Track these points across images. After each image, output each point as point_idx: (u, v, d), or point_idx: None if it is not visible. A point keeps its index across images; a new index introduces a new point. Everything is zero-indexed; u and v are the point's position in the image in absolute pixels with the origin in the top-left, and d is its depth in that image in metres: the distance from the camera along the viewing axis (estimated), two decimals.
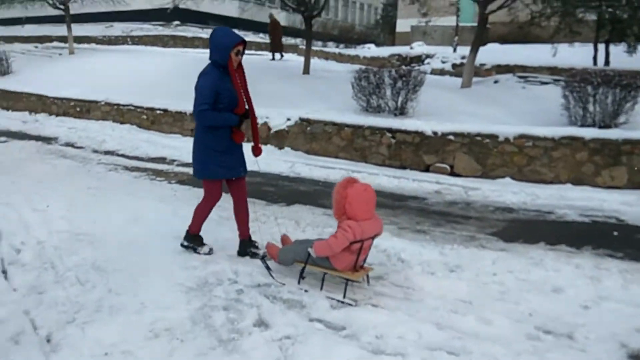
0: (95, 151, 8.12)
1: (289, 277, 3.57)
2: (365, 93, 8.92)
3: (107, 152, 8.03)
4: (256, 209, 5.13)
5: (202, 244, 3.97)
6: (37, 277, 3.37)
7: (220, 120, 3.63)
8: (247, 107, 3.82)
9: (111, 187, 5.85)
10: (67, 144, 8.62)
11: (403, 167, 7.30)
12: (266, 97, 10.55)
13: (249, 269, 3.63)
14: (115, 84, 11.77)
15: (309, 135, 8.22)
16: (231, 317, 2.96)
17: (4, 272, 3.47)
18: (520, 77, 12.04)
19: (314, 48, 23.68)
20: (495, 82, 11.95)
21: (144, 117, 9.99)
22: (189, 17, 27.91)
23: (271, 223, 4.74)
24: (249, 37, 28.97)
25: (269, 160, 7.63)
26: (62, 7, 17.32)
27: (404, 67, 16.12)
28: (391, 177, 6.69)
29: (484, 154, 6.82)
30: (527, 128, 6.82)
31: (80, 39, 21.94)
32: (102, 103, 10.74)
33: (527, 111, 8.77)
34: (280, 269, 3.67)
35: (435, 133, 7.07)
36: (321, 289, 3.36)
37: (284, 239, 3.92)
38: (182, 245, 3.98)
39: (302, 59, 21.42)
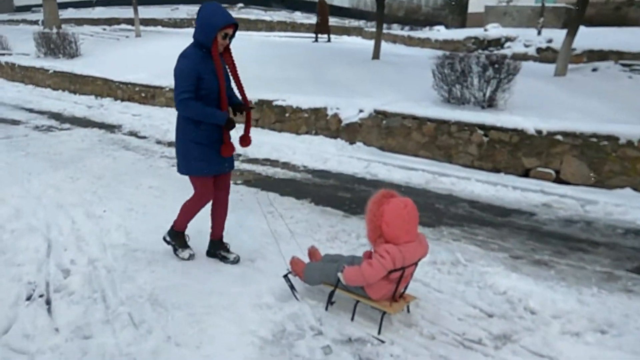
0: (159, 142, 7.67)
1: (316, 299, 3.03)
2: (448, 82, 7.95)
3: (170, 144, 7.56)
4: (333, 222, 4.43)
5: (184, 246, 3.63)
6: (85, 313, 2.80)
7: (205, 115, 3.16)
8: (239, 100, 3.40)
9: (173, 186, 5.31)
10: (131, 133, 8.25)
11: (496, 170, 6.32)
12: (334, 85, 9.80)
13: (335, 314, 2.91)
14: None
15: (385, 130, 7.38)
16: None
17: (48, 302, 2.93)
18: (624, 64, 10.53)
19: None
20: (594, 70, 10.52)
21: None
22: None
23: (353, 242, 4.00)
24: (312, 19, 28.17)
25: (341, 158, 6.91)
26: None
27: (482, 51, 14.83)
28: (485, 182, 5.74)
29: (600, 158, 5.72)
30: None
31: (146, 22, 22.01)
32: (167, 89, 10.34)
33: None
34: (307, 290, 3.14)
35: (539, 132, 6.02)
36: (352, 319, 2.86)
37: (312, 252, 3.32)
38: (164, 239, 3.65)
39: (367, 42, 20.47)
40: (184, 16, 25.44)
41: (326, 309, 2.94)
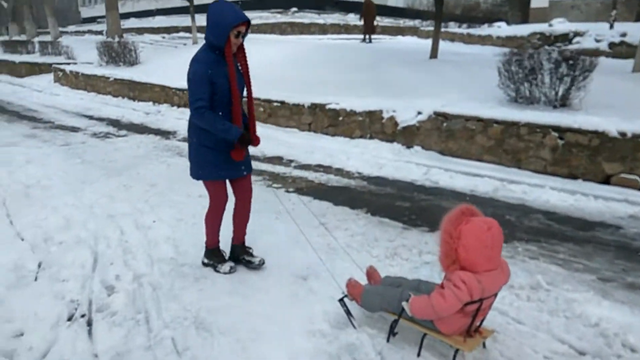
0: None
1: (376, 328, 2.69)
2: (516, 80, 7.37)
3: None
4: (392, 235, 4.07)
5: (223, 261, 3.46)
6: (126, 337, 2.61)
7: (218, 129, 3.01)
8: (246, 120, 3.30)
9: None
10: (185, 139, 8.22)
11: (573, 177, 5.71)
12: (390, 86, 9.40)
13: (398, 347, 2.55)
14: None
15: (445, 133, 6.91)
16: None
17: (90, 324, 2.77)
18: None
19: (433, 29, 21.73)
20: None
21: (261, 109, 9.37)
22: (306, 3, 27.51)
23: (415, 260, 3.62)
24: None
25: (398, 164, 6.51)
26: None
27: (548, 47, 13.92)
28: (561, 191, 5.18)
29: None
30: None
31: (203, 29, 22.47)
32: None
33: None
34: (365, 316, 2.80)
35: (622, 134, 5.38)
36: (418, 355, 2.49)
37: (370, 273, 2.97)
38: (202, 263, 3.50)
39: (423, 41, 19.85)
40: None
41: (388, 340, 2.59)
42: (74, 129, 8.95)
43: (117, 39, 16.56)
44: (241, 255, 3.48)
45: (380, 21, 30.26)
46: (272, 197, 4.92)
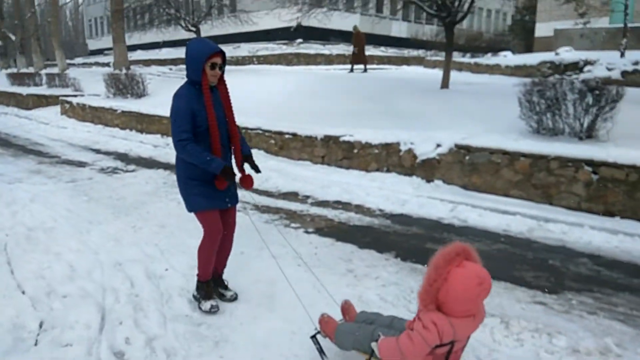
0: None
1: None
2: (538, 111, 7.10)
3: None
4: None
5: (208, 297, 3.34)
6: None
7: (201, 161, 3.02)
8: (248, 151, 3.43)
9: (240, 237, 4.74)
10: None
11: (610, 214, 5.36)
12: (404, 117, 9.15)
13: None
14: (242, 105, 11.11)
15: (468, 166, 6.60)
16: None
17: None
18: None
19: (439, 59, 21.79)
20: None
21: (272, 141, 9.10)
22: (311, 34, 27.72)
23: None
24: (370, 50, 27.90)
25: (421, 199, 6.18)
26: (193, 29, 17.63)
27: (559, 76, 13.77)
28: (601, 230, 4.82)
29: None
30: None
31: None
32: None
33: None
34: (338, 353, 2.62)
35: None
36: None
37: (345, 308, 2.82)
38: (193, 296, 3.43)
39: (429, 71, 19.85)
40: (245, 54, 25.99)
41: None
42: (81, 164, 8.66)
43: (124, 71, 16.51)
44: (215, 287, 3.48)
45: (385, 51, 30.45)
46: (292, 239, 4.58)
